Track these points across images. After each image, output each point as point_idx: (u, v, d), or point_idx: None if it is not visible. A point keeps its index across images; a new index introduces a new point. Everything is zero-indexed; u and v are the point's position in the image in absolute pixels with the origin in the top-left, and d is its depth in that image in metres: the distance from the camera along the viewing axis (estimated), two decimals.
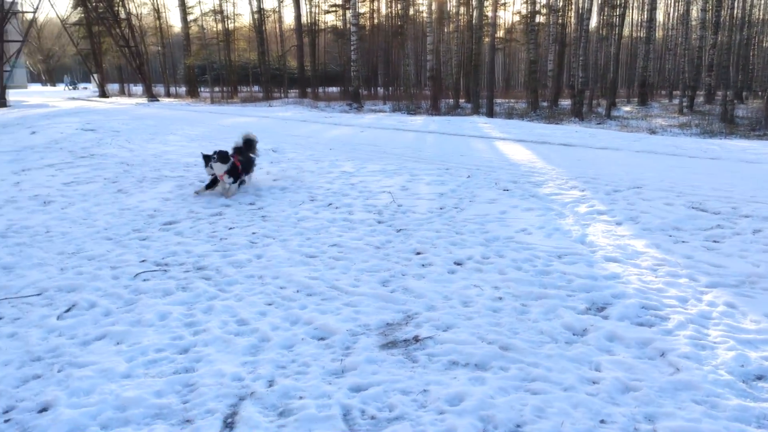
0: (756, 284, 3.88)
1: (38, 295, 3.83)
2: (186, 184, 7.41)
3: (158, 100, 34.19)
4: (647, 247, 4.68)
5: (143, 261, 4.50)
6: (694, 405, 2.49)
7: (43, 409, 2.55)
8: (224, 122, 17.44)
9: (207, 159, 6.71)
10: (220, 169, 6.57)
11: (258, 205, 6.34)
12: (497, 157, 9.90)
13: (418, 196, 6.71)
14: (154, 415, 2.49)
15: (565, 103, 28.09)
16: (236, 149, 7.08)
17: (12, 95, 30.37)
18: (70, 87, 59.85)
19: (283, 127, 15.84)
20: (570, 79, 29.78)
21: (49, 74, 75.57)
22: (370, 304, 3.62)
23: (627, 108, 27.30)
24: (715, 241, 4.84)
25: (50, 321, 3.42)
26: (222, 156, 6.55)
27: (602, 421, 2.39)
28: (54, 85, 71.01)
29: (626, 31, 38.81)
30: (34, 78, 77.35)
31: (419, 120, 18.66)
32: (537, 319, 3.37)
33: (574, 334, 3.19)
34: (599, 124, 19.22)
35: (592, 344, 3.04)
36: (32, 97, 37.37)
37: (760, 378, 2.72)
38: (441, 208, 6.09)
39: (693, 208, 5.91)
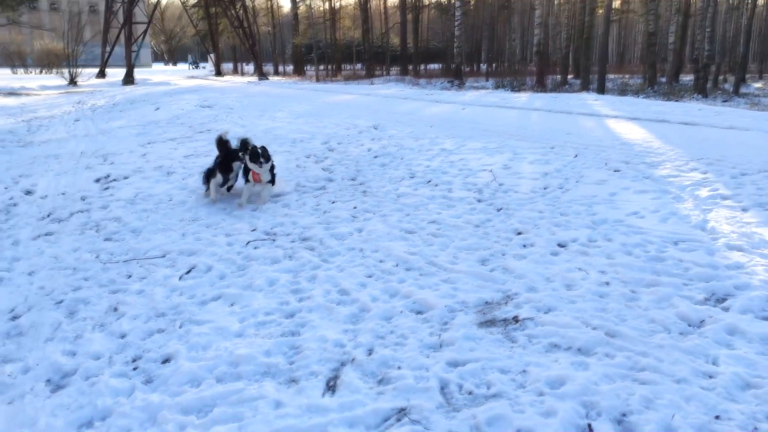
0: None
1: (162, 257, 4.19)
2: (293, 159, 7.71)
3: (267, 79, 35.68)
4: None
5: (254, 230, 4.77)
6: None
7: (166, 360, 2.80)
8: (328, 99, 17.87)
9: (232, 158, 5.50)
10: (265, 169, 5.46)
11: (359, 181, 6.47)
12: (607, 135, 9.36)
13: (520, 175, 6.53)
14: (263, 372, 2.66)
15: (687, 78, 25.94)
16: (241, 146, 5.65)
17: (138, 74, 33.01)
18: (193, 66, 64.29)
19: (384, 104, 15.96)
20: (693, 52, 27.37)
21: (171, 54, 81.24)
22: (468, 282, 3.60)
23: (758, 84, 24.76)
24: None
25: (172, 281, 3.73)
26: (263, 153, 5.36)
27: (717, 417, 2.23)
28: (175, 65, 76.29)
29: (760, 0, 34.95)
30: (157, 57, 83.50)
31: (523, 97, 18.04)
32: (647, 307, 3.18)
33: (689, 325, 2.98)
34: (725, 101, 17.61)
35: (709, 337, 2.83)
36: (155, 75, 40.37)
37: None
38: (545, 188, 5.89)
39: None
